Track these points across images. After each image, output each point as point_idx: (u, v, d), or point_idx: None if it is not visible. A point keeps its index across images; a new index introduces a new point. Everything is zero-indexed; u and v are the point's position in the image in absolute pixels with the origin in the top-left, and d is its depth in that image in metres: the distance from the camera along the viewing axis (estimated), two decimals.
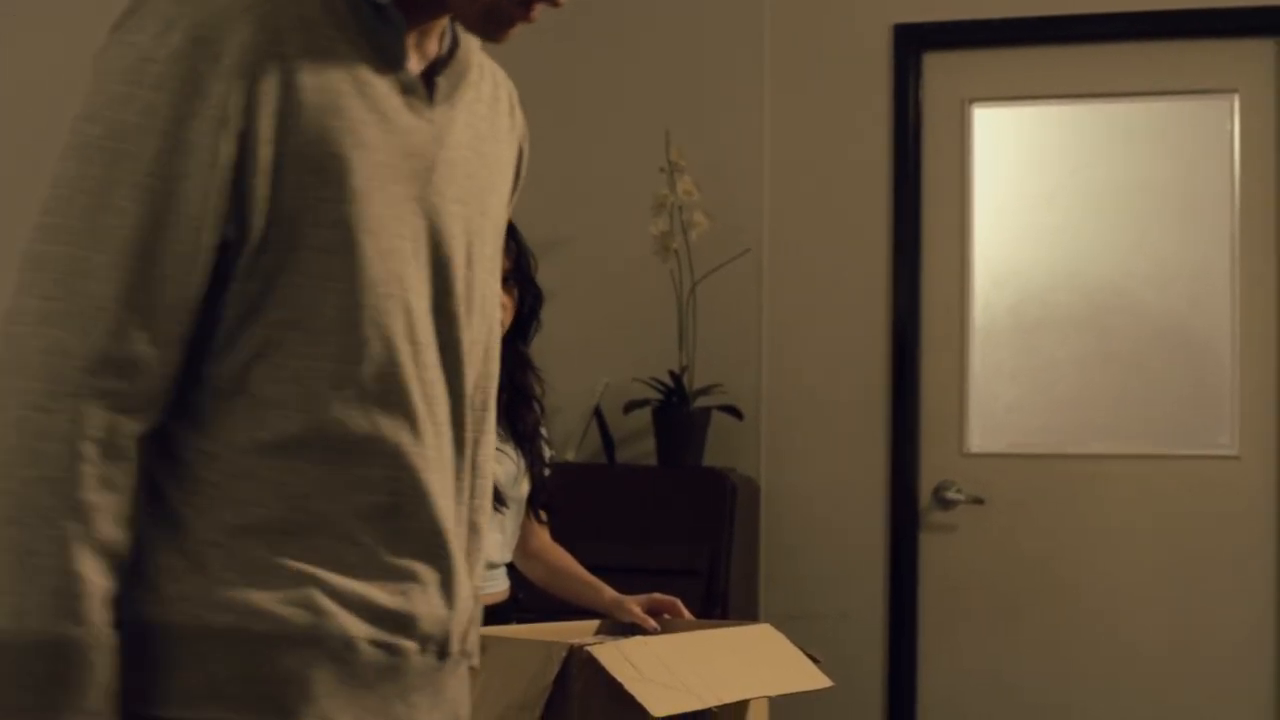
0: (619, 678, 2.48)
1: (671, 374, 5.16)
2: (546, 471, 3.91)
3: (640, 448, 5.31)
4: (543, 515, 3.93)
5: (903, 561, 5.20)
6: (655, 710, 2.49)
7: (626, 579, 4.69)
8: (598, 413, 5.28)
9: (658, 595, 3.57)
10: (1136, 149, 5.29)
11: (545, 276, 5.44)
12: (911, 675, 5.17)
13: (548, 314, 5.45)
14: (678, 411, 5.14)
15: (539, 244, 5.44)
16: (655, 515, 4.99)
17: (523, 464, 3.85)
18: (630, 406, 5.19)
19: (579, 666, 2.53)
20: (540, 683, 2.53)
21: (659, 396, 5.16)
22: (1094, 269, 5.29)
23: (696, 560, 4.83)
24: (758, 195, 5.37)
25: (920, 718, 5.20)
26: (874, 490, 5.24)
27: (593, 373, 5.33)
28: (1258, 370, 5.13)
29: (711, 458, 5.19)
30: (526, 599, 4.05)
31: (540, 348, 5.45)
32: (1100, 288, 5.28)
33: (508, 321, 3.89)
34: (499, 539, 3.77)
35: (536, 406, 3.96)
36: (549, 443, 4.00)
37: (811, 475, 5.28)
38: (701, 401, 5.18)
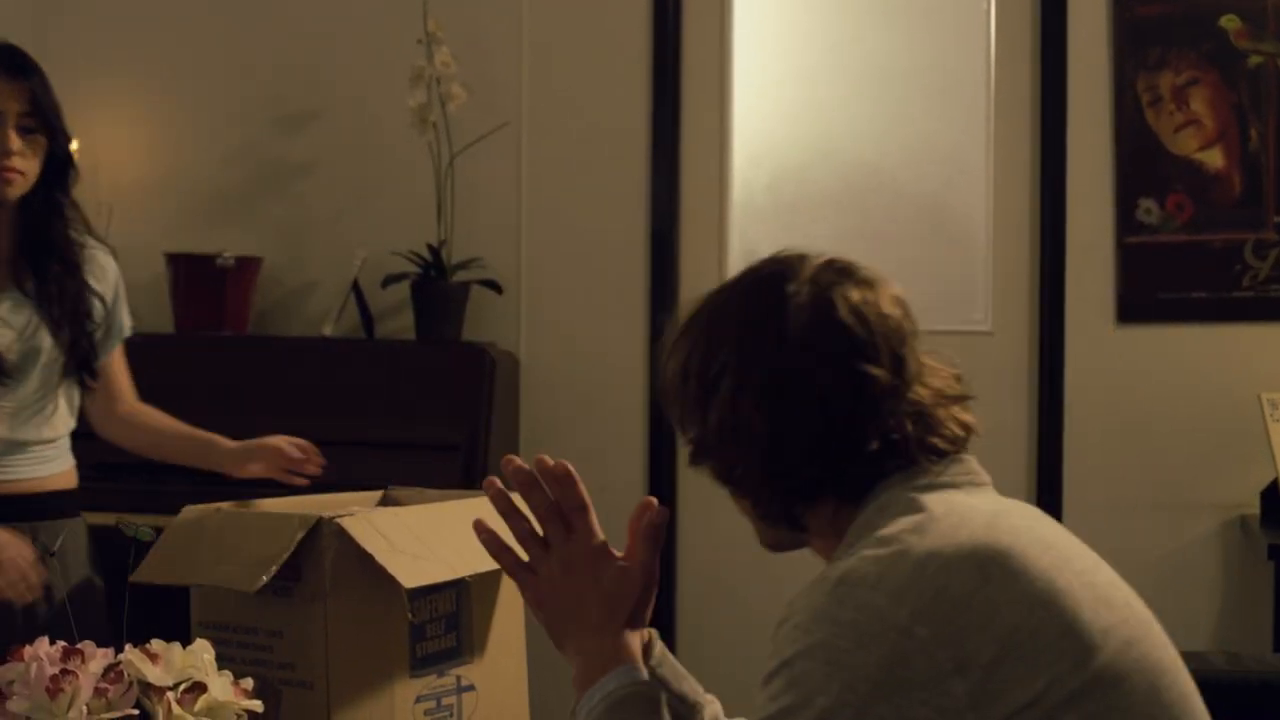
0: (369, 549, 2.46)
1: (430, 248, 5.12)
2: (95, 330, 3.64)
3: (399, 322, 5.28)
4: (89, 380, 3.66)
5: (662, 435, 5.22)
6: (406, 582, 2.47)
7: (385, 454, 4.68)
8: (355, 287, 5.23)
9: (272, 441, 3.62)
10: (895, 28, 5.32)
11: (302, 149, 5.40)
12: (671, 545, 5.22)
13: (305, 187, 5.41)
14: (436, 285, 5.11)
15: (294, 116, 5.40)
16: (414, 390, 4.96)
17: (42, 330, 3.54)
18: (388, 280, 5.15)
19: (329, 538, 2.50)
20: (277, 546, 2.50)
21: (417, 270, 5.13)
22: (851, 147, 5.32)
23: (455, 435, 4.82)
24: (516, 68, 5.33)
25: (679, 585, 5.26)
26: (634, 364, 5.26)
27: (350, 246, 5.27)
28: (1010, 248, 5.21)
29: (471, 332, 5.18)
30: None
31: (296, 220, 5.40)
32: (857, 166, 5.32)
33: (34, 176, 3.51)
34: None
35: (69, 260, 3.61)
36: (101, 298, 3.69)
37: (572, 349, 5.29)
38: (460, 275, 5.15)
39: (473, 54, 5.20)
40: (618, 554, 2.15)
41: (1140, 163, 5.09)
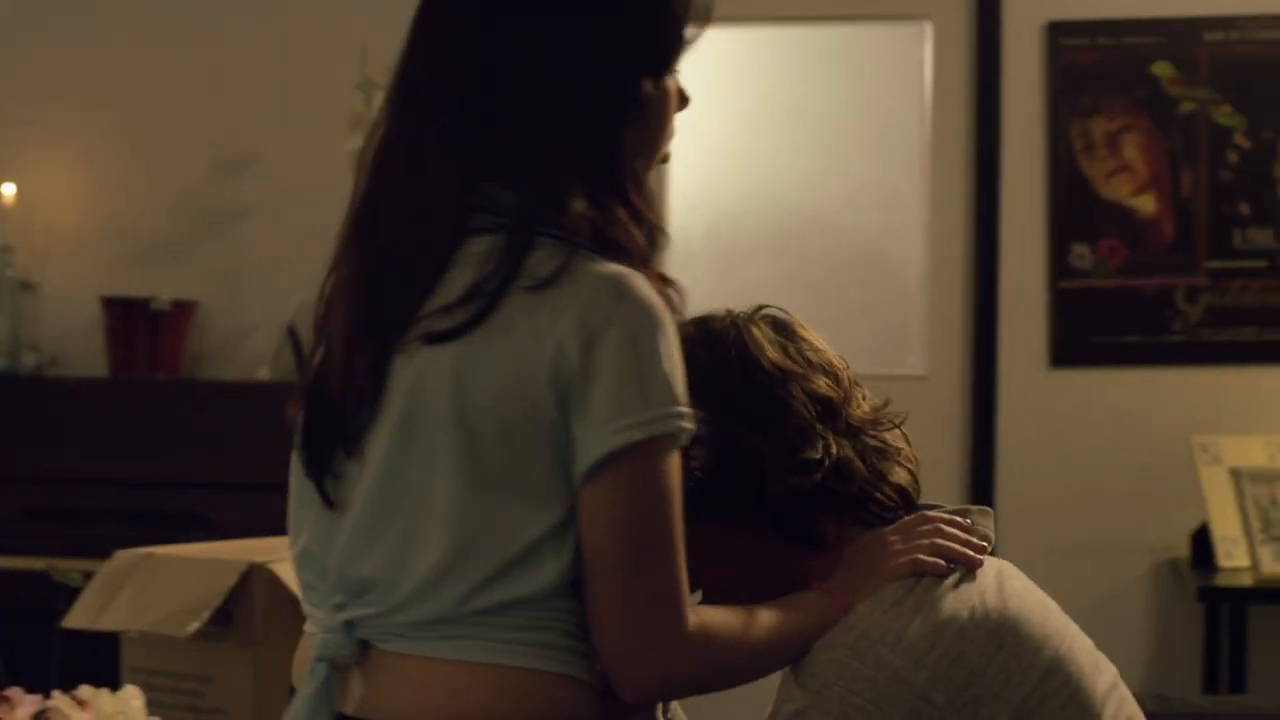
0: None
1: None
2: None
3: None
4: None
5: None
6: None
7: None
8: (291, 330, 5.22)
9: None
10: (831, 74, 5.35)
11: (238, 193, 5.39)
12: None
13: (242, 230, 5.41)
14: None
15: (232, 161, 5.40)
16: None
17: None
18: None
19: (261, 584, 2.50)
20: (209, 592, 2.49)
21: None
22: (788, 193, 5.34)
23: None
24: None
25: None
26: None
27: (286, 290, 5.26)
28: (945, 293, 5.23)
29: None
30: None
31: (233, 265, 5.40)
32: (794, 211, 5.34)
33: None
34: None
35: None
36: None
37: None
38: None
39: None
40: None
41: (1073, 208, 5.12)
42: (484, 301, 1.85)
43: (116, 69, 5.46)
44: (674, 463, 1.86)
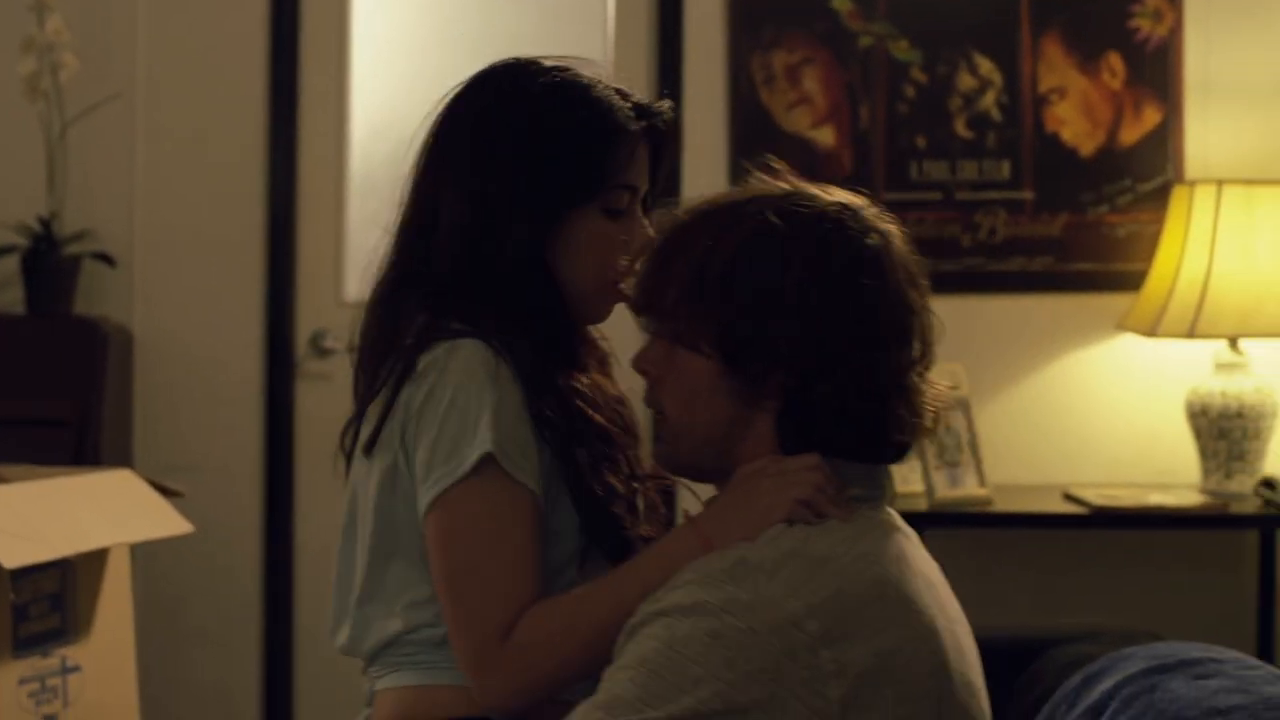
0: None
1: (40, 220, 5.01)
2: None
3: (8, 296, 5.14)
4: None
5: (279, 409, 5.18)
6: (7, 562, 2.42)
7: None
8: None
9: None
10: (514, 2, 5.34)
11: None
12: (288, 523, 5.17)
13: None
14: (47, 258, 5.00)
15: None
16: (24, 366, 4.86)
17: None
18: None
19: None
20: None
21: (27, 243, 5.01)
22: None
23: (67, 412, 4.73)
24: (130, 37, 5.23)
25: (296, 563, 5.22)
26: (250, 339, 5.20)
27: None
28: None
29: (84, 306, 5.07)
30: None
31: None
32: None
33: None
34: None
35: None
36: None
37: (188, 324, 5.21)
38: (72, 248, 5.05)
39: (86, 22, 5.09)
40: None
41: (753, 140, 5.16)
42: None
43: None
44: (483, 492, 2.16)
